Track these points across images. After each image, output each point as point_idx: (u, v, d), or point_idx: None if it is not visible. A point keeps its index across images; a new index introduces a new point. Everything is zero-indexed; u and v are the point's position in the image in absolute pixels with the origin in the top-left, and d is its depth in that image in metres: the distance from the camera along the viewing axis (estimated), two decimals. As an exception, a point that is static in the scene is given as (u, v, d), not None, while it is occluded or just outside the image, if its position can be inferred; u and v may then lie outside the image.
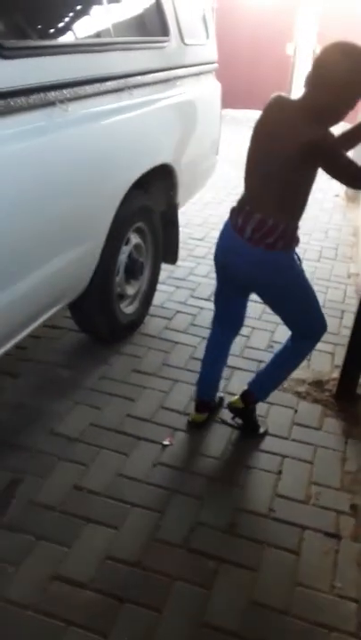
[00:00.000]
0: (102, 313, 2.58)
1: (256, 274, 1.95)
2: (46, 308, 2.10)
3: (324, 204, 5.56)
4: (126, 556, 1.71)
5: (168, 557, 1.73)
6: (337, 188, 5.68)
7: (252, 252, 1.89)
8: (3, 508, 1.82)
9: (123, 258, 2.63)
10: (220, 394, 2.41)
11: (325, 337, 2.15)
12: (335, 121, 1.78)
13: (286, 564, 1.76)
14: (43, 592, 1.58)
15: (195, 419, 2.30)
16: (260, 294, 2.07)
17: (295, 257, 1.96)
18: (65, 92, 1.87)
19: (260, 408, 2.34)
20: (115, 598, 1.58)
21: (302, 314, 2.07)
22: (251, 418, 2.29)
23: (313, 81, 1.75)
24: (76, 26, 2.17)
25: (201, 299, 3.36)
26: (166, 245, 3.10)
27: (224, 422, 2.32)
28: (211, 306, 3.22)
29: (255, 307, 2.28)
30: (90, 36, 2.23)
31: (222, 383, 2.41)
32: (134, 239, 2.74)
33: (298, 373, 2.38)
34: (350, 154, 1.80)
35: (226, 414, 2.34)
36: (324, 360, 2.83)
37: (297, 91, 7.34)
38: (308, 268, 2.04)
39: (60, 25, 2.08)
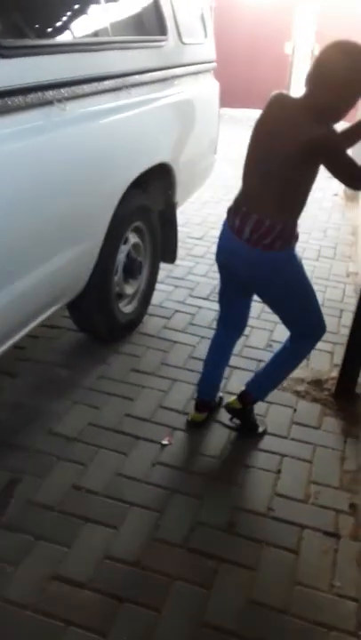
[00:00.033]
0: (101, 312, 2.58)
1: (255, 274, 1.95)
2: (45, 307, 2.10)
3: (323, 202, 5.56)
4: (125, 556, 1.71)
5: (167, 557, 1.72)
6: (336, 187, 5.68)
7: (251, 253, 1.89)
8: (1, 508, 1.82)
9: (121, 257, 2.63)
10: (219, 394, 2.41)
11: (325, 336, 2.15)
12: (336, 119, 1.78)
13: (285, 564, 1.76)
14: (42, 592, 1.58)
15: (194, 418, 2.30)
16: (259, 294, 2.07)
17: (295, 254, 1.95)
18: (63, 91, 1.87)
19: (259, 407, 2.34)
20: (114, 598, 1.58)
21: (301, 312, 2.07)
22: (249, 418, 2.29)
23: (314, 80, 1.76)
24: (74, 25, 2.16)
25: (200, 298, 3.34)
26: (165, 244, 3.09)
27: (222, 424, 2.32)
28: (210, 305, 3.23)
29: (254, 306, 2.28)
30: (88, 35, 2.22)
31: (222, 383, 2.41)
32: (133, 238, 2.73)
33: (297, 372, 2.38)
34: (350, 153, 1.80)
35: (224, 416, 2.33)
36: (324, 359, 2.83)
37: (295, 89, 7.36)
38: (306, 267, 2.04)
39: (58, 24, 2.08)
